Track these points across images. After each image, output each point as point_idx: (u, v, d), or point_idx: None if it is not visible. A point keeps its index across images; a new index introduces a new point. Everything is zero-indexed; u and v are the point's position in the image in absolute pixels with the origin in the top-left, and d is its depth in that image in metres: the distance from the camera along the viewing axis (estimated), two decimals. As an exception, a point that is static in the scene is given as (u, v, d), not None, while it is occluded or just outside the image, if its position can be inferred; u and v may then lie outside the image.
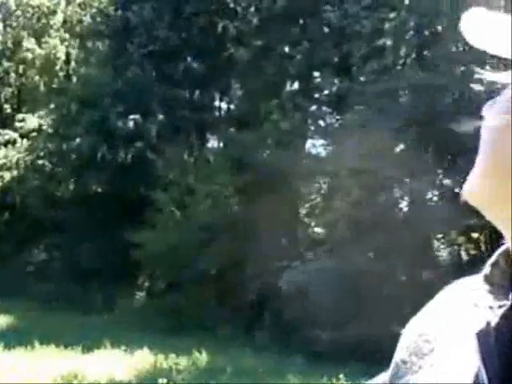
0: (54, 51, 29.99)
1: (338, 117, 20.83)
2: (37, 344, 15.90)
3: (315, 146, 22.18)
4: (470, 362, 0.96)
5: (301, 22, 23.08)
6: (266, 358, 16.24)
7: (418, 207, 18.22)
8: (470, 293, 1.06)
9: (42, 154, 27.49)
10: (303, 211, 22.82)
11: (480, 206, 1.01)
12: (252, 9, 24.49)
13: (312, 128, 22.06)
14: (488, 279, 1.03)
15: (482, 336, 0.94)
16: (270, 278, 18.75)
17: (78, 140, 24.92)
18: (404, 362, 1.10)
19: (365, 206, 17.35)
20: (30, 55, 30.23)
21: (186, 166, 23.48)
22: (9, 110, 31.14)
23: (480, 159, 1.00)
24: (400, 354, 1.12)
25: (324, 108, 22.06)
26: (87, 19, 29.35)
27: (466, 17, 1.03)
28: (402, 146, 18.55)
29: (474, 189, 1.00)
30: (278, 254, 19.86)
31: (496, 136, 0.97)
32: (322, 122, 21.69)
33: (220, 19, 24.98)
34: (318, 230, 21.87)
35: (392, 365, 1.14)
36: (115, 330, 18.57)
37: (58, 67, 30.08)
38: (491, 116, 1.00)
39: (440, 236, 19.11)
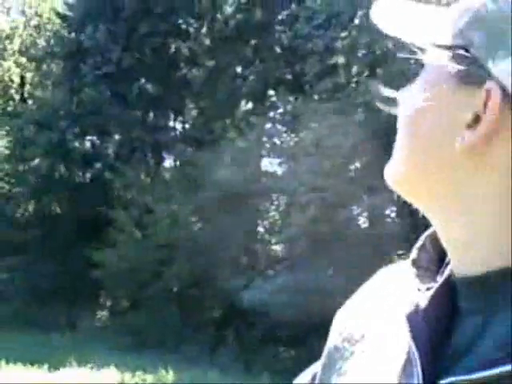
0: (8, 74, 29.38)
1: (292, 135, 20.42)
2: (3, 363, 15.34)
3: (272, 164, 21.79)
4: (401, 344, 0.96)
5: (253, 42, 22.90)
6: (232, 376, 15.94)
7: (377, 224, 17.96)
8: (399, 277, 1.05)
9: (0, 175, 27.10)
10: (262, 229, 22.45)
11: (402, 191, 1.01)
12: (204, 30, 24.11)
13: (267, 146, 21.59)
14: (415, 263, 1.02)
15: (412, 318, 0.94)
16: (231, 296, 18.29)
17: (36, 161, 24.62)
18: (336, 349, 1.08)
19: (323, 222, 16.96)
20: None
21: (144, 186, 23.13)
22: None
23: (397, 145, 1.00)
24: (332, 340, 1.10)
25: (279, 126, 21.68)
26: (41, 42, 28.73)
27: (378, 4, 1.02)
28: (358, 163, 18.27)
29: (395, 175, 1.00)
30: (239, 272, 19.40)
31: (409, 122, 0.98)
32: (277, 141, 21.29)
33: (172, 40, 24.62)
34: (277, 247, 21.57)
35: (324, 352, 1.11)
36: (79, 348, 17.99)
37: (12, 90, 29.45)
38: (405, 102, 1.00)
39: (401, 252, 18.86)
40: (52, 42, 27.50)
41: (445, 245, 0.99)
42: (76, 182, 24.26)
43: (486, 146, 0.92)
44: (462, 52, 0.93)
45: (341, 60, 18.55)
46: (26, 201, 26.49)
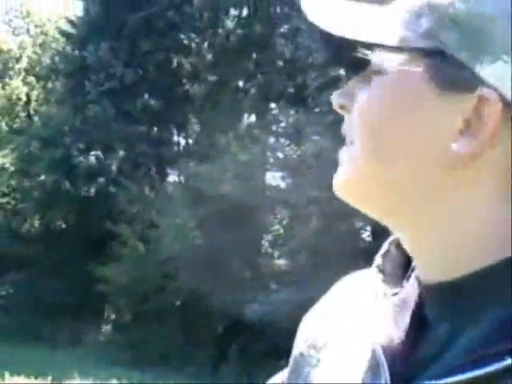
0: (16, 92, 29.18)
1: (295, 148, 19.94)
2: (7, 375, 15.06)
3: (274, 177, 21.31)
4: (365, 350, 0.92)
5: (254, 56, 22.65)
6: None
7: (380, 237, 17.39)
8: (364, 284, 1.01)
9: (6, 191, 27.07)
10: (266, 243, 21.92)
11: (354, 201, 0.93)
12: (205, 45, 23.84)
13: (271, 159, 21.13)
14: (380, 269, 0.98)
15: (379, 323, 0.91)
16: (235, 310, 17.74)
17: (41, 177, 24.34)
18: (302, 356, 1.05)
19: (327, 236, 16.54)
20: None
21: (148, 200, 22.71)
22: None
23: (352, 155, 0.91)
24: (298, 348, 1.07)
25: (281, 139, 21.18)
26: (46, 60, 28.50)
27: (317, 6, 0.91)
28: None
29: (345, 185, 0.93)
30: (242, 286, 18.88)
31: (375, 132, 0.88)
32: (280, 154, 20.78)
33: (174, 55, 24.27)
34: (280, 261, 20.97)
35: (291, 360, 1.07)
36: (83, 362, 17.81)
37: (19, 108, 29.22)
38: (363, 109, 0.90)
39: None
40: (56, 59, 27.32)
41: (410, 253, 0.92)
42: (81, 197, 23.83)
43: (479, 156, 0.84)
44: (436, 55, 0.82)
45: (343, 71, 18.08)
46: (31, 216, 26.35)
